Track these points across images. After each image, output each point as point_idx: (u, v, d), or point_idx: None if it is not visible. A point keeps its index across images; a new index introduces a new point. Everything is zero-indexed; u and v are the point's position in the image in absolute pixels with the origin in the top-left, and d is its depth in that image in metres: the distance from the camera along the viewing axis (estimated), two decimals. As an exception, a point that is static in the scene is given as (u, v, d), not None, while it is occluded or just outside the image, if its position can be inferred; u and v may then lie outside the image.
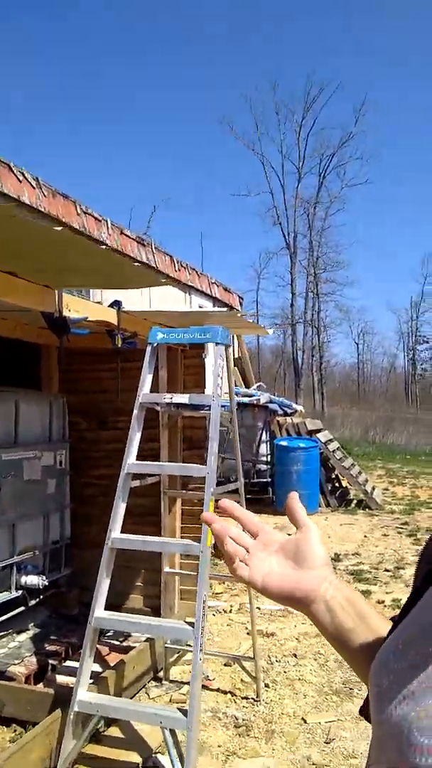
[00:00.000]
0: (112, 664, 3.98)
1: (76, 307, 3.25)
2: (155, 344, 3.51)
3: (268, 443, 10.84)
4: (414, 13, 54.41)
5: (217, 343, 3.41)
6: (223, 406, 3.87)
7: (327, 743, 3.41)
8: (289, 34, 59.12)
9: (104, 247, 2.69)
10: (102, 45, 61.72)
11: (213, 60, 62.76)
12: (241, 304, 15.88)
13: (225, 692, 4.02)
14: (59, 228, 2.34)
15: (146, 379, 3.47)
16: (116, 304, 3.66)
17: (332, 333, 45.46)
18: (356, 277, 69.57)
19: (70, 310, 3.21)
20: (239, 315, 3.89)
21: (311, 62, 64.54)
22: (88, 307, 3.39)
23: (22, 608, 4.36)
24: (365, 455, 18.74)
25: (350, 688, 4.04)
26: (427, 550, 0.69)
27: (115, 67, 63.93)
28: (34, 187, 8.05)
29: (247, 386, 12.51)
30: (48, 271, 2.82)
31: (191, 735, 2.88)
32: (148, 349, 3.49)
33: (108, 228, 9.90)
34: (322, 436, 10.68)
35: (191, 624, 3.06)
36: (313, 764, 3.22)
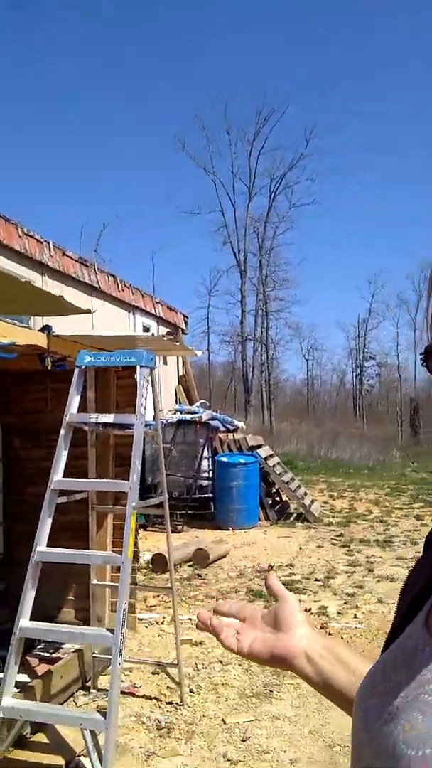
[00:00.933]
0: (39, 674, 4.13)
1: (3, 332, 3.45)
2: (83, 367, 3.73)
3: (210, 459, 11.09)
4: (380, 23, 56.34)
5: (141, 366, 3.65)
6: (149, 425, 4.11)
7: (243, 741, 3.65)
8: (243, 54, 60.43)
9: (24, 280, 2.90)
10: (53, 54, 61.77)
11: (166, 77, 63.60)
12: (186, 322, 16.23)
13: (150, 698, 4.22)
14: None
15: (73, 400, 3.68)
16: (46, 328, 3.86)
17: (282, 350, 46.49)
18: (305, 295, 71.04)
19: (-2, 336, 3.40)
20: (164, 339, 4.14)
21: (264, 83, 66.07)
22: (17, 331, 3.58)
23: None
24: (309, 469, 19.19)
25: (270, 690, 4.29)
26: (410, 580, 0.72)
27: (67, 78, 63.98)
28: (-27, 210, 8.14)
29: (191, 403, 12.77)
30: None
31: (109, 735, 3.07)
32: (76, 371, 3.70)
33: (50, 250, 10.12)
34: (263, 452, 11.00)
35: (110, 630, 3.26)
36: (228, 760, 3.44)
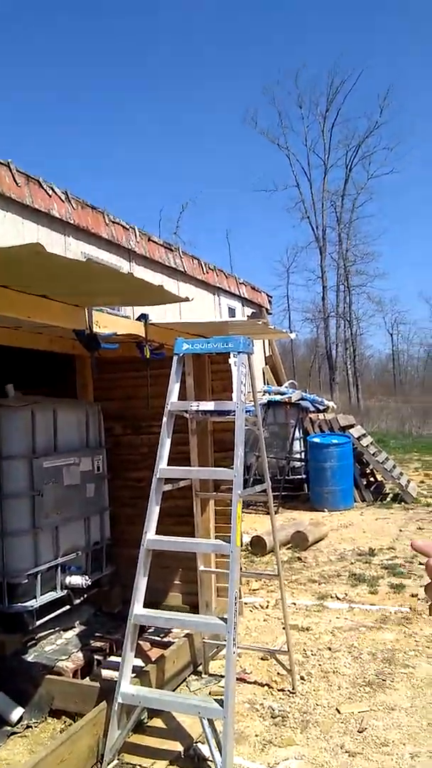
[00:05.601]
0: (153, 659, 4.18)
1: (105, 323, 3.45)
2: (181, 354, 3.70)
3: (302, 440, 10.95)
4: None
5: (239, 352, 3.57)
6: (248, 411, 4.03)
7: (360, 732, 3.55)
8: (309, 27, 58.82)
9: (126, 273, 2.86)
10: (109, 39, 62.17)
11: (231, 55, 62.81)
12: (270, 302, 16.06)
13: (262, 685, 4.19)
14: (84, 260, 2.50)
15: (174, 388, 3.66)
16: (143, 317, 3.84)
17: (365, 325, 45.40)
18: (387, 268, 69.02)
19: (99, 326, 3.40)
20: (260, 323, 4.04)
21: (333, 52, 64.21)
22: (117, 322, 3.58)
23: (67, 607, 4.58)
24: (401, 448, 18.65)
25: (383, 680, 4.16)
26: None
27: (127, 68, 64.37)
28: (63, 201, 8.38)
29: (279, 384, 12.63)
30: (76, 293, 3.02)
31: (227, 724, 3.06)
32: (174, 359, 3.68)
33: (136, 236, 10.20)
34: (355, 432, 10.75)
35: (225, 619, 3.23)
36: (346, 752, 3.36)
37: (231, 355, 5.06)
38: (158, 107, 67.11)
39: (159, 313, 4.38)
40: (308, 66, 67.79)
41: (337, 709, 3.83)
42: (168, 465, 3.61)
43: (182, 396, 3.82)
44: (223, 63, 63.24)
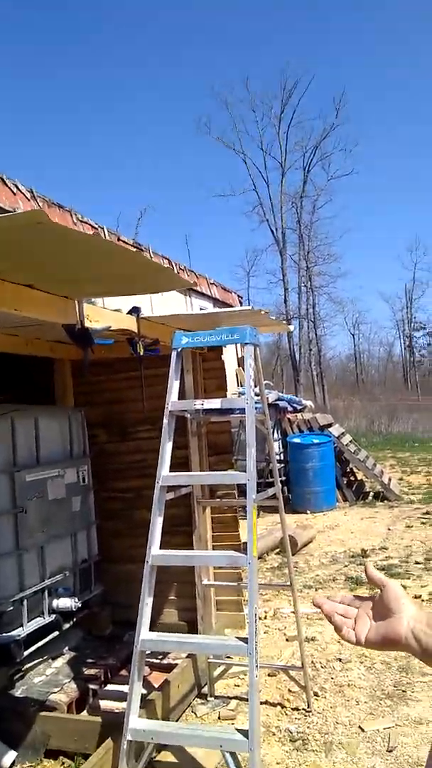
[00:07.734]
0: (155, 685, 3.84)
1: (95, 317, 3.10)
2: (179, 349, 3.37)
3: (280, 441, 10.69)
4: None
5: (246, 343, 3.27)
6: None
7: (389, 752, 3.27)
8: (260, 29, 59.16)
9: (133, 250, 2.52)
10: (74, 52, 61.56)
11: (183, 60, 62.72)
12: (240, 302, 15.80)
13: (274, 704, 3.88)
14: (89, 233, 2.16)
15: (173, 386, 3.33)
16: (135, 310, 3.50)
17: (328, 326, 45.66)
18: (347, 269, 69.58)
19: (90, 320, 3.06)
20: (262, 313, 3.74)
21: (285, 55, 64.69)
22: (108, 315, 3.23)
23: (56, 633, 4.20)
24: (373, 446, 18.59)
25: (403, 691, 3.90)
26: None
27: (89, 73, 63.76)
28: (28, 199, 7.87)
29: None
30: (67, 281, 2.67)
31: (254, 756, 2.74)
32: (173, 354, 3.35)
33: (105, 236, 9.76)
34: (335, 430, 10.55)
35: (242, 639, 2.92)
36: (380, 776, 3.08)
37: (221, 351, 4.76)
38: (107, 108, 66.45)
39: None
40: (259, 69, 67.90)
41: (360, 726, 3.54)
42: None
43: (180, 397, 3.49)
44: (169, 63, 63.05)
